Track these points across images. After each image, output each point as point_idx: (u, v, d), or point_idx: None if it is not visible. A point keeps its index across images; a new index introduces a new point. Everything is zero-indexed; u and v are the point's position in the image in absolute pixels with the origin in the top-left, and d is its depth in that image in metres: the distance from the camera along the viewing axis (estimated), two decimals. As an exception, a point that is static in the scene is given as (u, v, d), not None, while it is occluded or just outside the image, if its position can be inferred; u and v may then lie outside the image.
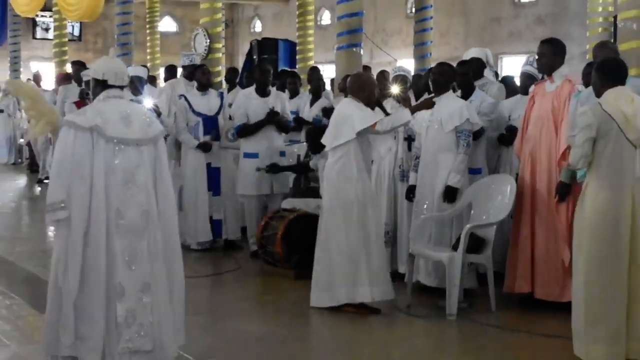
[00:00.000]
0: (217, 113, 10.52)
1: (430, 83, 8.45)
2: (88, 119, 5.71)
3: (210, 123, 10.44)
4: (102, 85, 5.88)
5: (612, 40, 12.49)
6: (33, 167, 19.23)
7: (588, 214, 6.35)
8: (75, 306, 5.69)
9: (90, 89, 6.09)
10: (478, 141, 8.45)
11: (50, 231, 6.06)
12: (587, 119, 6.27)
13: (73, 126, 5.68)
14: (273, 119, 10.08)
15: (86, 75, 8.67)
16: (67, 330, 5.69)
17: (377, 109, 7.92)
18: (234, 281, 9.27)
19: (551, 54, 7.84)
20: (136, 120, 5.88)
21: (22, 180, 18.75)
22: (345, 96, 9.69)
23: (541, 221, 7.71)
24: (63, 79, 15.25)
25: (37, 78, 20.41)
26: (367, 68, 13.12)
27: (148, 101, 9.89)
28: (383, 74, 11.11)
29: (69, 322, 5.68)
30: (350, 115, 7.62)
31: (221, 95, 10.78)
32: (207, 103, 10.51)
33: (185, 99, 10.51)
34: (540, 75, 8.38)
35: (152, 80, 14.84)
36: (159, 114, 9.98)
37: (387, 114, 7.93)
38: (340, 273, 7.60)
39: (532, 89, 8.19)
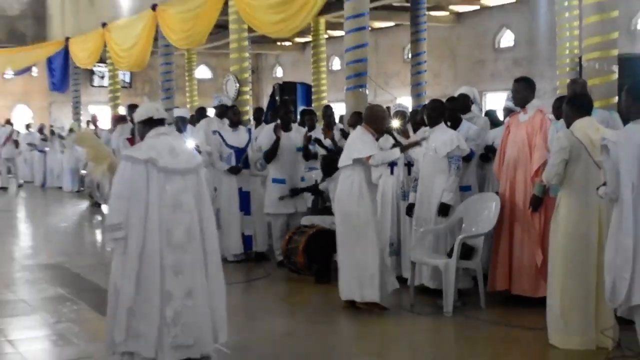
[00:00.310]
0: (246, 146, 10.55)
1: (425, 117, 8.50)
2: (143, 153, 5.80)
3: (241, 154, 10.50)
4: (148, 123, 5.98)
5: (579, 78, 12.52)
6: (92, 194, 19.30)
7: (562, 225, 6.40)
8: (132, 309, 5.75)
9: (138, 132, 6.16)
10: (469, 163, 8.51)
11: (109, 247, 6.05)
12: (561, 143, 6.35)
13: (131, 160, 5.78)
14: (307, 143, 10.38)
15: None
16: (120, 330, 5.75)
17: (382, 139, 8.01)
18: (264, 286, 9.28)
19: (523, 90, 7.92)
20: (181, 153, 6.01)
21: (83, 205, 18.83)
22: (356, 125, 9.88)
23: (518, 229, 7.75)
24: (118, 119, 15.29)
25: (94, 120, 20.53)
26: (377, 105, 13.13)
27: (190, 142, 9.96)
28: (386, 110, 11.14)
29: (122, 323, 5.75)
30: (353, 144, 7.74)
31: (249, 131, 10.82)
32: (237, 138, 10.57)
33: (220, 134, 10.58)
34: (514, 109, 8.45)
35: (192, 119, 14.88)
36: (199, 152, 10.04)
37: (396, 141, 8.01)
38: (352, 276, 7.66)
39: (507, 119, 8.29)
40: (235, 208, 10.47)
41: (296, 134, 10.57)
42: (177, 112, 11.00)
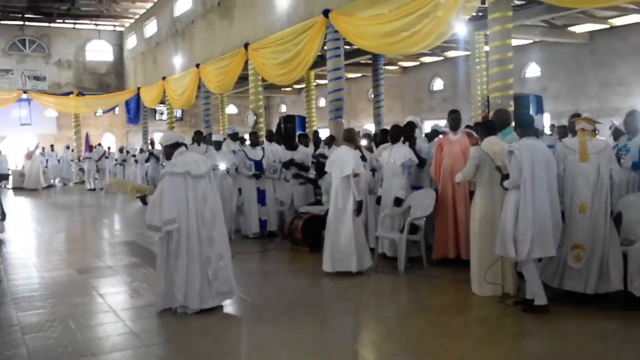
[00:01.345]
0: (262, 159, 10.43)
1: (388, 137, 8.38)
2: (179, 167, 5.87)
3: (258, 164, 10.37)
4: (174, 146, 6.05)
5: (487, 110, 12.50)
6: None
7: (477, 210, 6.40)
8: (184, 276, 5.75)
9: (164, 152, 6.13)
10: (422, 170, 8.40)
11: (157, 237, 5.99)
12: (473, 154, 6.42)
13: (171, 174, 5.86)
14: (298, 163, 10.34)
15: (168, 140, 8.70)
16: (179, 292, 5.74)
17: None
18: (274, 255, 9.18)
19: (459, 118, 7.89)
20: (201, 163, 6.06)
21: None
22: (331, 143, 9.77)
23: (461, 212, 7.66)
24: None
25: (152, 142, 20.44)
26: (350, 129, 13.05)
27: (223, 165, 9.93)
28: (356, 132, 11.06)
29: (181, 287, 5.72)
30: (349, 161, 7.43)
31: (263, 149, 10.57)
32: (255, 153, 10.43)
33: (244, 151, 10.49)
34: (442, 130, 8.42)
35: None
36: (228, 171, 10.11)
37: (362, 154, 8.01)
38: (343, 251, 7.47)
39: (436, 139, 8.27)
40: (254, 201, 10.34)
41: (299, 151, 10.68)
42: (215, 137, 10.88)
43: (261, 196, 10.40)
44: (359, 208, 7.50)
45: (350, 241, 7.39)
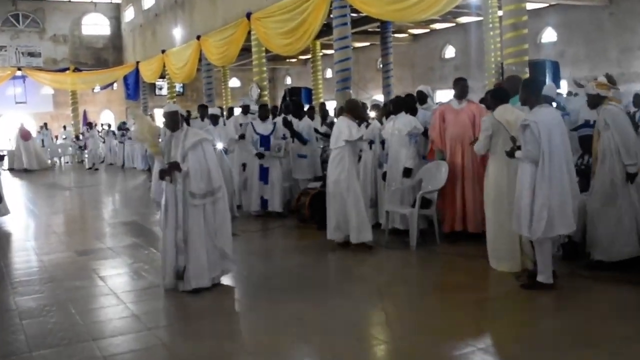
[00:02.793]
0: (271, 133, 10.17)
1: (392, 108, 8.30)
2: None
3: (264, 139, 10.14)
4: (176, 116, 6.05)
5: (501, 78, 12.32)
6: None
7: (490, 180, 6.36)
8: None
9: (169, 122, 6.09)
10: (429, 139, 8.32)
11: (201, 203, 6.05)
12: (485, 124, 6.34)
13: (209, 142, 6.10)
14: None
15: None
16: (203, 274, 5.98)
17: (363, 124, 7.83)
18: (280, 232, 9.19)
19: (466, 86, 7.79)
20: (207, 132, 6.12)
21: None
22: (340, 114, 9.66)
23: (465, 184, 7.59)
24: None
25: (152, 117, 20.44)
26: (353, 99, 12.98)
27: (219, 144, 9.66)
28: (365, 104, 10.91)
29: (204, 268, 5.98)
30: (343, 130, 7.43)
31: (274, 124, 10.32)
32: (264, 127, 10.19)
33: (252, 124, 10.31)
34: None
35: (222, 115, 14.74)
36: (226, 150, 9.90)
37: (367, 124, 7.91)
38: (342, 219, 7.51)
39: (436, 108, 8.18)
40: (256, 178, 10.17)
41: (305, 122, 10.51)
42: (211, 111, 10.75)
43: (264, 174, 10.17)
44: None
45: (347, 212, 7.39)
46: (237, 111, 12.90)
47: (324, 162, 10.35)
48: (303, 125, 10.45)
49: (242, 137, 10.68)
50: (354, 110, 7.65)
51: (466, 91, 7.82)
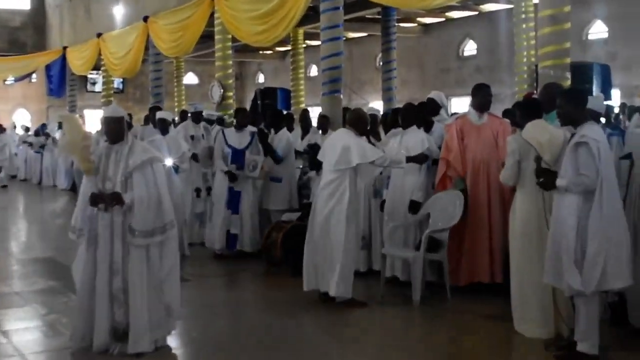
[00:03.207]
0: (246, 147, 10.08)
1: (399, 119, 8.33)
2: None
3: (238, 155, 10.04)
4: (121, 123, 6.02)
5: (535, 84, 12.44)
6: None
7: (517, 220, 6.36)
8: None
9: (109, 131, 6.04)
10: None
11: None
12: (510, 146, 6.36)
13: (160, 161, 6.15)
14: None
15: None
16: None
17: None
18: (244, 279, 9.15)
19: (490, 96, 7.86)
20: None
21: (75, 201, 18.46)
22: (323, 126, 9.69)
23: (495, 222, 7.61)
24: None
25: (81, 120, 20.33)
26: (346, 109, 13.02)
27: (168, 160, 9.53)
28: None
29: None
30: (350, 147, 7.29)
31: (253, 134, 10.23)
32: (239, 139, 10.12)
33: (223, 134, 10.26)
34: None
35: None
36: (176, 168, 9.81)
37: (370, 143, 7.70)
38: (322, 267, 7.45)
39: (451, 121, 8.13)
40: (223, 206, 10.07)
41: (281, 136, 10.48)
42: (159, 114, 10.65)
43: (233, 200, 10.06)
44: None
45: (333, 257, 7.33)
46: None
47: (302, 187, 10.34)
48: (279, 138, 10.45)
49: (195, 157, 10.68)
50: (360, 124, 7.54)
51: (489, 102, 7.86)
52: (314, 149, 9.79)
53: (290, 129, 11.75)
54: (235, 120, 10.61)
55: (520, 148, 6.23)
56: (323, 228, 7.44)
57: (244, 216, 10.11)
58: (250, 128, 10.34)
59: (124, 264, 5.83)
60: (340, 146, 7.37)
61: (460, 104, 20.60)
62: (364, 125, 7.59)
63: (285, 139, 10.46)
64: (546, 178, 5.69)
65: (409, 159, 7.75)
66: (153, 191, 5.82)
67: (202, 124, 11.88)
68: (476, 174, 7.74)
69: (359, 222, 8.04)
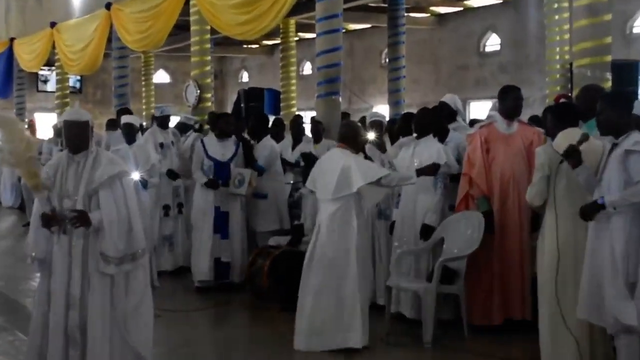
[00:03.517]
0: (230, 160, 10.20)
1: (413, 127, 8.39)
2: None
3: (222, 168, 10.13)
4: (85, 128, 5.99)
5: (569, 86, 12.51)
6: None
7: (547, 247, 6.37)
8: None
9: (69, 138, 5.97)
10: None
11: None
12: (539, 159, 6.40)
13: (128, 175, 6.16)
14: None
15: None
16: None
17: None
18: (226, 315, 9.21)
19: (520, 100, 7.91)
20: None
21: (23, 222, 18.43)
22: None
23: (527, 250, 7.63)
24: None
25: (31, 126, 20.31)
26: (345, 114, 13.09)
27: (135, 174, 9.51)
28: (362, 120, 11.00)
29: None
30: (350, 167, 7.31)
31: (238, 145, 10.35)
32: (222, 149, 10.21)
33: (203, 144, 10.31)
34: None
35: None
36: (145, 183, 9.85)
37: (367, 157, 7.78)
38: (335, 319, 7.37)
39: (473, 131, 8.14)
40: (208, 228, 10.06)
41: (264, 145, 10.59)
42: (124, 119, 10.68)
43: (221, 222, 10.10)
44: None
45: (342, 307, 7.30)
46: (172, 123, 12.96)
47: (294, 206, 10.38)
48: (263, 146, 10.53)
49: (172, 174, 10.71)
50: (356, 139, 7.60)
51: (520, 107, 7.89)
52: (308, 159, 9.84)
53: (280, 138, 11.82)
54: (215, 128, 10.65)
55: (551, 161, 6.26)
56: (330, 275, 7.36)
57: (234, 241, 10.17)
58: (235, 137, 10.41)
59: (83, 297, 5.74)
60: (339, 168, 7.35)
61: (480, 109, 20.64)
62: (360, 139, 7.66)
63: (269, 147, 10.55)
64: (576, 157, 5.73)
65: (419, 172, 7.78)
66: (123, 211, 5.75)
67: (171, 129, 11.92)
68: (504, 192, 7.75)
69: (369, 250, 8.11)
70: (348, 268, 7.33)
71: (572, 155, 5.75)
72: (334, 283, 7.35)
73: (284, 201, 10.61)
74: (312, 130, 10.99)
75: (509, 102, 7.88)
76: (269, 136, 10.85)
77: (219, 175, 10.09)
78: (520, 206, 7.64)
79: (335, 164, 7.44)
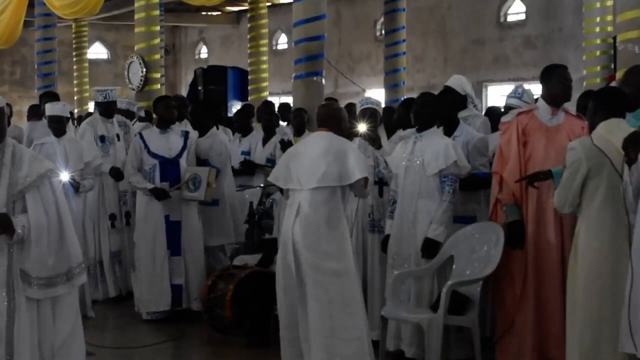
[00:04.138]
0: (179, 156, 10.23)
1: (412, 116, 8.37)
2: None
3: (169, 167, 10.13)
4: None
5: (612, 66, 12.60)
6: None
7: (581, 267, 6.42)
8: None
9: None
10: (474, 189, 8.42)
11: None
12: (574, 155, 6.40)
13: (57, 175, 6.10)
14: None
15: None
16: None
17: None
18: (180, 352, 9.22)
19: (568, 80, 7.88)
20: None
21: None
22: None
23: (544, 273, 7.63)
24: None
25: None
26: (331, 100, 13.16)
27: (65, 175, 9.44)
28: (351, 108, 10.98)
29: None
30: (347, 152, 7.34)
31: (185, 135, 10.40)
32: (167, 143, 10.23)
33: (141, 137, 10.28)
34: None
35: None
36: (76, 186, 9.79)
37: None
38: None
39: (507, 119, 8.00)
40: (160, 245, 10.03)
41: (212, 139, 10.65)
42: (50, 110, 10.64)
43: (172, 234, 10.11)
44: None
45: (342, 324, 7.29)
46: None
47: (262, 216, 10.37)
48: (212, 141, 10.61)
49: (117, 174, 10.70)
50: (339, 123, 7.63)
51: (569, 90, 7.83)
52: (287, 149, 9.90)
53: (247, 130, 11.87)
54: (159, 113, 10.61)
55: (588, 158, 6.31)
56: (314, 287, 7.32)
57: (188, 259, 10.18)
58: (182, 126, 10.44)
59: (9, 324, 5.72)
60: (332, 151, 7.34)
61: (500, 94, 20.70)
62: (344, 124, 7.68)
63: (218, 142, 10.58)
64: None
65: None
66: (54, 219, 5.74)
67: (117, 118, 11.83)
68: (542, 199, 7.65)
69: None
70: (339, 281, 7.31)
71: (637, 145, 5.71)
72: (319, 303, 7.28)
73: (237, 206, 10.66)
74: (295, 122, 11.04)
75: (555, 84, 7.79)
76: (214, 128, 10.89)
77: (167, 177, 10.07)
78: (563, 217, 7.62)
79: (321, 147, 7.44)
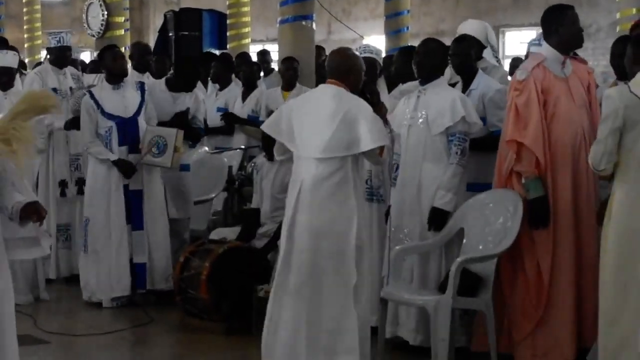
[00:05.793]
0: (137, 113, 10.17)
1: (414, 66, 8.34)
2: None
3: (127, 128, 10.07)
4: None
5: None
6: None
7: (616, 224, 6.48)
8: None
9: None
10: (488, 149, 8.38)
11: None
12: (611, 105, 6.41)
13: None
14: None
15: None
16: None
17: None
18: (150, 339, 9.28)
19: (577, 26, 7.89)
20: None
21: None
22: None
23: (588, 248, 7.63)
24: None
25: None
26: (320, 49, 13.20)
27: None
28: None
29: None
30: (357, 119, 7.15)
31: (141, 88, 10.35)
32: (122, 101, 10.16)
33: (92, 95, 10.14)
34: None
35: (23, 66, 14.66)
36: None
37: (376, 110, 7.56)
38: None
39: (522, 76, 7.76)
40: (121, 219, 10.00)
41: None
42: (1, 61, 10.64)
43: (134, 206, 10.08)
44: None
45: (341, 313, 7.24)
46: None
47: (243, 183, 10.40)
48: (184, 99, 10.67)
49: (74, 123, 10.63)
50: (354, 76, 7.45)
51: (581, 33, 7.82)
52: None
53: (226, 82, 11.89)
54: (106, 66, 10.45)
55: (627, 108, 6.33)
56: (314, 271, 7.26)
57: (152, 232, 10.17)
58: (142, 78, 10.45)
59: None
60: (340, 113, 7.19)
61: (519, 41, 20.72)
62: (360, 76, 7.50)
63: (194, 99, 10.70)
64: None
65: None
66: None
67: (70, 69, 11.78)
68: (568, 167, 7.66)
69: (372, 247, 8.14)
70: (344, 264, 7.21)
71: None
72: (319, 287, 7.25)
73: (221, 173, 10.68)
74: (285, 74, 11.04)
75: (568, 28, 7.81)
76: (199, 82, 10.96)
77: (126, 140, 10.02)
78: (596, 189, 7.64)
79: (328, 107, 7.29)
